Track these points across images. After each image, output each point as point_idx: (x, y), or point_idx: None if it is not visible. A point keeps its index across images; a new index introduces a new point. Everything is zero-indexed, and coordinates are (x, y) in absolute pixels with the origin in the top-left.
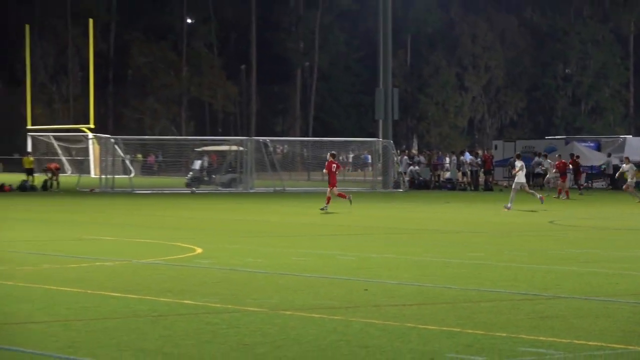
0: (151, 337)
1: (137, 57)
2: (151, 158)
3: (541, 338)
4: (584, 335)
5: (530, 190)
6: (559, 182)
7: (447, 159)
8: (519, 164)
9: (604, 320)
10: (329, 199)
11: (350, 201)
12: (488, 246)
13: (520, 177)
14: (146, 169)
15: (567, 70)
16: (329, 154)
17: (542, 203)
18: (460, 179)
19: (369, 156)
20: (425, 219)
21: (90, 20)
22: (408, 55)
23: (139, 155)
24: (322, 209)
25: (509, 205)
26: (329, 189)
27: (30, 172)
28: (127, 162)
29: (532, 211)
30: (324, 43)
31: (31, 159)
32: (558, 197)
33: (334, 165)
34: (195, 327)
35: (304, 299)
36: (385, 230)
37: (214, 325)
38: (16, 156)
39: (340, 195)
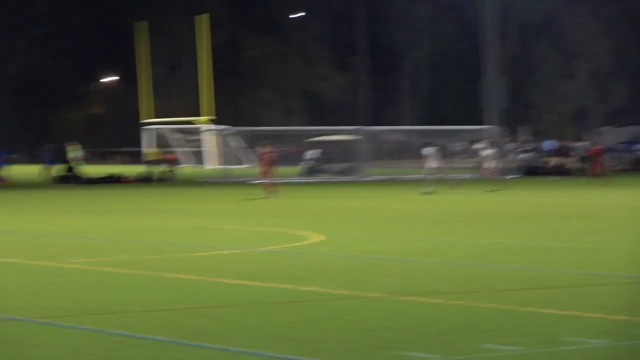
0: (276, 323)
1: (249, 51)
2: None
3: None
4: None
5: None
6: None
7: (553, 144)
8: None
9: None
10: (270, 186)
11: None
12: (604, 231)
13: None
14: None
15: None
16: (264, 143)
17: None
18: (570, 165)
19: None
20: (537, 204)
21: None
22: (514, 43)
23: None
24: (266, 197)
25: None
26: (264, 177)
27: (153, 163)
28: (243, 152)
29: None
30: (432, 34)
31: (155, 150)
32: None
33: (269, 154)
34: (319, 314)
35: (425, 284)
36: (498, 216)
37: (338, 311)
38: (134, 149)
39: (267, 187)
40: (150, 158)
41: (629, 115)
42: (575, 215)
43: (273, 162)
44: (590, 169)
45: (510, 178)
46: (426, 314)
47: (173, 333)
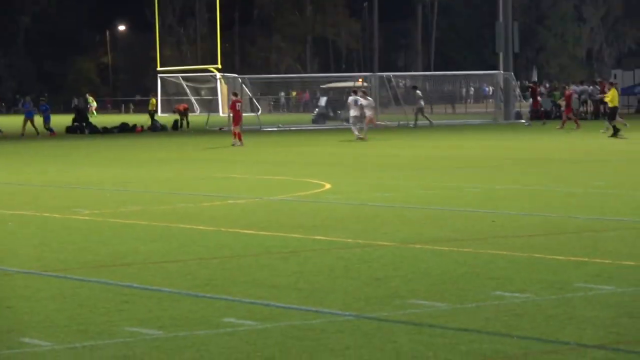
0: (284, 273)
1: None
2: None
3: None
4: None
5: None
6: None
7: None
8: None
9: None
10: (238, 135)
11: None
12: (612, 175)
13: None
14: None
15: None
16: (232, 93)
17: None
18: (580, 109)
19: (488, 88)
20: (548, 149)
21: None
22: None
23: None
24: (233, 145)
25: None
26: (233, 126)
27: (152, 114)
28: (254, 100)
29: None
30: None
31: (154, 100)
32: None
33: (238, 104)
34: (327, 263)
35: (432, 232)
36: (509, 162)
37: (346, 260)
38: (146, 98)
39: (237, 135)
40: (150, 108)
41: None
42: (579, 160)
43: (239, 112)
44: (565, 113)
45: (523, 122)
46: (435, 262)
47: (182, 285)
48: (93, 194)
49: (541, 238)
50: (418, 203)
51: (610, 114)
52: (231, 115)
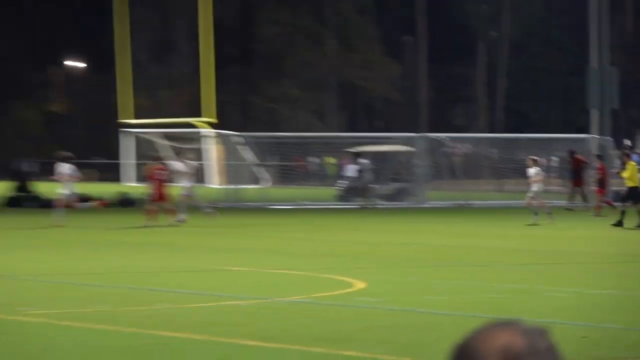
0: None
1: (269, 28)
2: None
3: None
4: None
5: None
6: None
7: None
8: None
9: None
10: (153, 213)
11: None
12: None
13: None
14: (285, 176)
15: None
16: (152, 156)
17: None
18: None
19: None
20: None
21: None
22: (630, 22)
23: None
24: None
25: None
26: (157, 202)
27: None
28: (259, 168)
29: None
30: (515, 5)
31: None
32: None
33: (161, 171)
34: None
35: None
36: (603, 257)
37: None
38: (108, 160)
39: (151, 213)
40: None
41: None
42: None
43: (163, 182)
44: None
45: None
46: None
47: None
48: (46, 287)
49: None
50: (483, 310)
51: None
52: (153, 187)
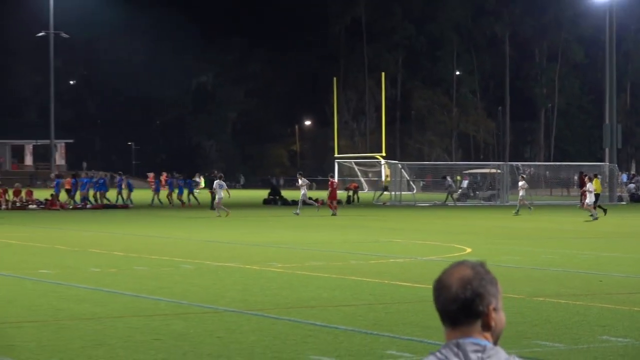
0: (435, 317)
1: (418, 101)
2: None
3: None
4: None
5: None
6: None
7: None
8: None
9: None
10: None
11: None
12: None
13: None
14: (425, 187)
15: None
16: (331, 175)
17: None
18: None
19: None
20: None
21: (382, 74)
22: (628, 97)
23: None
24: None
25: None
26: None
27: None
28: (410, 182)
29: None
30: (562, 88)
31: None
32: None
33: (334, 184)
34: None
35: (552, 288)
36: (613, 235)
37: None
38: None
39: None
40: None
41: None
42: None
43: (334, 190)
44: None
45: (624, 204)
46: (554, 312)
47: (354, 324)
48: (284, 251)
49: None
50: (540, 265)
51: None
52: (332, 193)
